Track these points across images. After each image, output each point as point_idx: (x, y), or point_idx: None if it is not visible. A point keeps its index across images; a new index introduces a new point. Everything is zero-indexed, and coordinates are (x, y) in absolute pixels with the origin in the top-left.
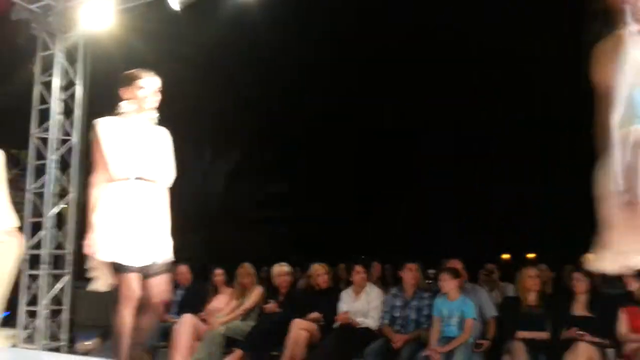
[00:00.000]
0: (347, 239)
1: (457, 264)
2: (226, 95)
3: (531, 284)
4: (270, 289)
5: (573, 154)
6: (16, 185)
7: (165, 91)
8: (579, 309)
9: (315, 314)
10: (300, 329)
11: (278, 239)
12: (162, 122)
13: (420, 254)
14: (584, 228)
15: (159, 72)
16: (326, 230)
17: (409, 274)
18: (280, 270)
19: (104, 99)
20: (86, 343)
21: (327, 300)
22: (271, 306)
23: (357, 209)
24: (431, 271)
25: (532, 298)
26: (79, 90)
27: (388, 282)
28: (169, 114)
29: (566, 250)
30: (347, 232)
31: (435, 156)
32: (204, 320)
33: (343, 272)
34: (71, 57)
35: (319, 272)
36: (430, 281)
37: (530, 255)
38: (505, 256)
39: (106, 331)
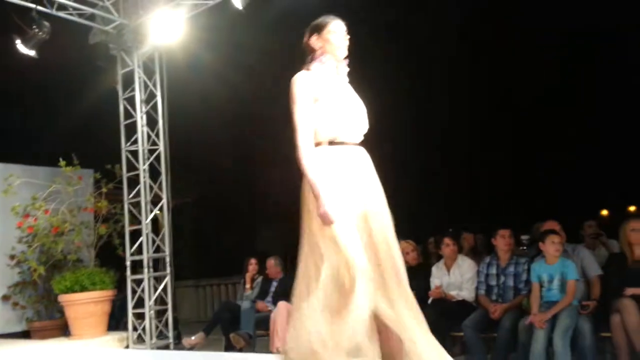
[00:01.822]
0: (434, 212)
1: (554, 225)
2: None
3: (635, 237)
4: None
5: None
6: (114, 198)
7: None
8: None
9: None
10: None
11: None
12: (244, 121)
13: (512, 219)
14: None
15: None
16: (411, 205)
17: (502, 240)
18: None
19: (183, 106)
20: (192, 338)
21: (418, 276)
22: None
23: (440, 181)
24: (524, 237)
25: (638, 252)
26: (159, 101)
27: (481, 251)
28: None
29: None
30: (433, 205)
31: (524, 118)
32: None
33: (432, 247)
34: (149, 70)
35: (407, 250)
36: (525, 247)
37: (632, 208)
38: (604, 212)
39: (209, 325)
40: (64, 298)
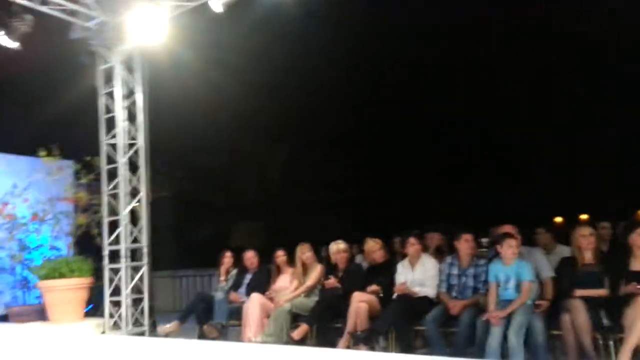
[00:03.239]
0: (401, 213)
1: (510, 228)
2: (283, 86)
3: (585, 242)
4: (329, 267)
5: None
6: (93, 189)
7: (222, 90)
8: (638, 264)
9: (374, 287)
10: (360, 302)
11: (335, 220)
12: (225, 120)
13: (472, 222)
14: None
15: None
16: (381, 207)
17: (465, 244)
18: (337, 247)
19: (163, 102)
20: (166, 326)
21: (384, 273)
22: (331, 282)
23: (407, 186)
24: (484, 240)
25: (588, 256)
26: (139, 98)
27: (444, 251)
28: (232, 112)
29: (621, 207)
30: (400, 207)
31: (479, 123)
32: (270, 299)
33: (398, 246)
34: (129, 66)
35: (374, 248)
36: (484, 249)
37: (584, 217)
38: (558, 219)
39: (183, 315)
40: (42, 284)
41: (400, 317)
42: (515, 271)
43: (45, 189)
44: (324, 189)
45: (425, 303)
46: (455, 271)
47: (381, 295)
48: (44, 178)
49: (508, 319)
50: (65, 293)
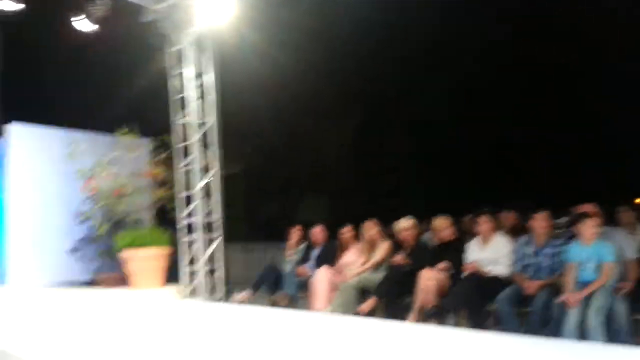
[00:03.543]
0: (471, 192)
1: (590, 208)
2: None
3: None
4: (396, 244)
5: None
6: (169, 165)
7: (286, 68)
8: None
9: (443, 264)
10: (428, 279)
11: (402, 197)
12: (290, 98)
13: (548, 201)
14: None
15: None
16: (450, 185)
17: (541, 223)
18: (405, 225)
19: (231, 81)
20: (240, 295)
21: (453, 251)
22: (399, 259)
23: (479, 163)
24: (562, 219)
25: None
26: (209, 77)
27: (518, 231)
28: (296, 90)
29: None
30: (471, 185)
31: (565, 99)
32: (338, 274)
33: (468, 224)
34: (199, 48)
35: (443, 226)
36: (561, 230)
37: None
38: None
39: (255, 285)
40: (125, 253)
41: (472, 295)
42: (595, 252)
43: (125, 165)
44: (390, 166)
45: (497, 282)
46: (530, 251)
47: (450, 273)
48: (124, 155)
49: (586, 301)
50: (146, 262)
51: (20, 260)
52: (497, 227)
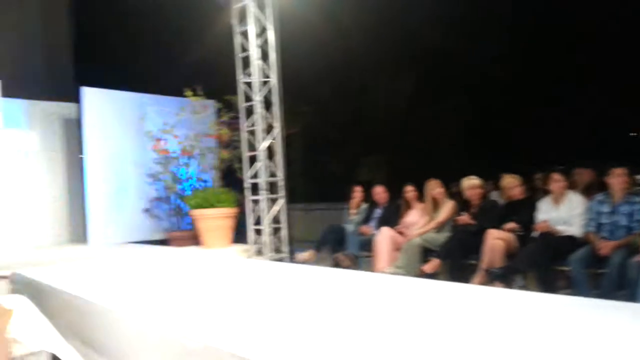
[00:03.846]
0: (544, 147)
1: None
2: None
3: None
4: (462, 203)
5: None
6: (234, 126)
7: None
8: None
9: (511, 224)
10: (496, 239)
11: (466, 155)
12: (349, 55)
13: (626, 157)
14: None
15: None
16: (520, 140)
17: (618, 179)
18: (471, 183)
19: (292, 39)
20: (303, 254)
21: (523, 210)
22: (464, 218)
23: (552, 117)
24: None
25: None
26: (271, 35)
27: (594, 189)
28: (355, 47)
29: None
30: (543, 140)
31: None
32: (400, 233)
33: (539, 183)
34: (261, 4)
35: (512, 184)
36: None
37: None
38: None
39: (318, 244)
40: (194, 213)
41: (542, 256)
42: None
43: (191, 126)
44: (453, 123)
45: (570, 242)
46: (606, 209)
47: (519, 233)
48: (190, 116)
49: None
50: (215, 221)
51: (98, 221)
52: (571, 185)
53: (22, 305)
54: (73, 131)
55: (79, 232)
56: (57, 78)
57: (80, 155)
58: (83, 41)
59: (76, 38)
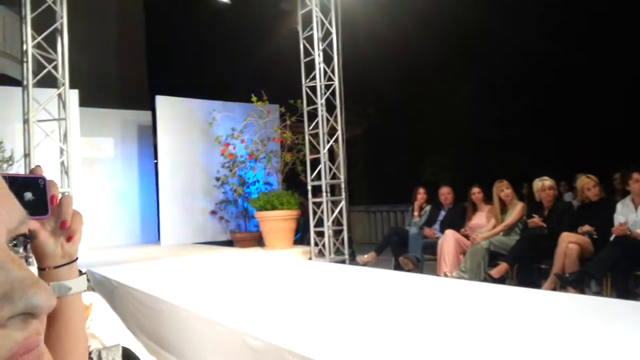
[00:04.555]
0: (623, 145)
1: None
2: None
3: None
4: (532, 204)
5: None
6: (296, 130)
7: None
8: None
9: (586, 227)
10: (570, 242)
11: (536, 156)
12: (410, 57)
13: None
14: None
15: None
16: (596, 139)
17: None
18: (543, 184)
19: (356, 43)
20: (364, 256)
21: (599, 212)
22: (536, 220)
23: (632, 112)
24: None
25: None
26: (334, 39)
27: None
28: (416, 49)
29: None
30: (623, 139)
31: None
32: (466, 237)
33: (618, 183)
34: (325, 9)
35: (589, 185)
36: None
37: None
38: None
39: (380, 247)
40: (258, 215)
41: (619, 260)
42: None
43: (257, 131)
44: (523, 123)
45: None
46: None
47: (595, 236)
48: (256, 121)
49: None
50: (277, 223)
51: (169, 221)
52: None
53: (96, 301)
54: (147, 138)
55: (151, 233)
56: (132, 88)
57: (155, 161)
58: (156, 52)
59: (150, 50)
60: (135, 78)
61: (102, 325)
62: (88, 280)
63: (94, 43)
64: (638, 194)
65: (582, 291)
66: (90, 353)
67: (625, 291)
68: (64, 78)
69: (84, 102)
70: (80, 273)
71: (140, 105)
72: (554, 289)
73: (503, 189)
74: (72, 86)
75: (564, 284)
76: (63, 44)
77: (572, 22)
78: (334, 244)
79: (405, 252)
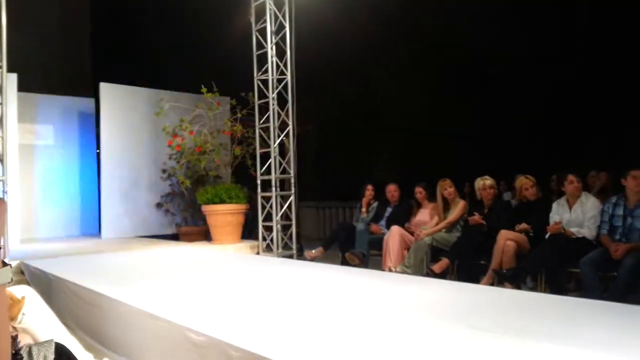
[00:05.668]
0: (558, 149)
1: None
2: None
3: None
4: (473, 203)
5: None
6: (247, 123)
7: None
8: None
9: (523, 225)
10: (507, 239)
11: (478, 156)
12: (364, 51)
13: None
14: None
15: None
16: (531, 144)
17: (634, 182)
18: (484, 183)
19: (308, 37)
20: (312, 251)
21: (536, 211)
22: (476, 218)
23: (566, 122)
24: None
25: None
26: (287, 33)
27: (608, 192)
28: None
29: None
30: (558, 144)
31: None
32: (410, 233)
33: (554, 184)
34: (279, 2)
35: (527, 185)
36: None
37: None
38: None
39: (327, 242)
40: (206, 208)
41: (553, 257)
42: None
43: (206, 123)
44: (468, 123)
45: (582, 245)
46: (620, 212)
47: (531, 234)
48: (205, 112)
49: None
50: (225, 217)
51: (110, 214)
52: (586, 187)
53: (29, 295)
54: (89, 126)
55: (92, 225)
56: (75, 73)
57: (97, 150)
58: (101, 38)
59: (94, 35)
60: (79, 63)
61: (35, 320)
62: (22, 272)
63: (35, 25)
64: (572, 195)
65: (518, 287)
66: (20, 349)
67: (558, 287)
68: (2, 61)
69: (22, 86)
70: (4, 264)
71: (84, 92)
72: (492, 284)
73: (446, 188)
74: (10, 69)
75: (501, 279)
76: (1, 24)
77: (520, 16)
78: (282, 239)
79: (352, 247)
